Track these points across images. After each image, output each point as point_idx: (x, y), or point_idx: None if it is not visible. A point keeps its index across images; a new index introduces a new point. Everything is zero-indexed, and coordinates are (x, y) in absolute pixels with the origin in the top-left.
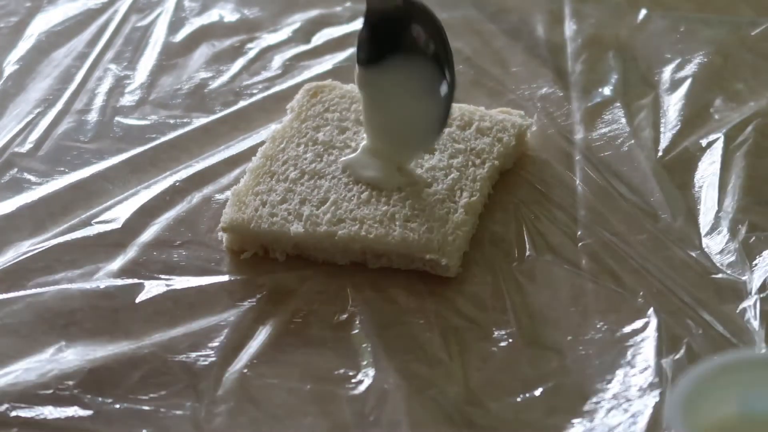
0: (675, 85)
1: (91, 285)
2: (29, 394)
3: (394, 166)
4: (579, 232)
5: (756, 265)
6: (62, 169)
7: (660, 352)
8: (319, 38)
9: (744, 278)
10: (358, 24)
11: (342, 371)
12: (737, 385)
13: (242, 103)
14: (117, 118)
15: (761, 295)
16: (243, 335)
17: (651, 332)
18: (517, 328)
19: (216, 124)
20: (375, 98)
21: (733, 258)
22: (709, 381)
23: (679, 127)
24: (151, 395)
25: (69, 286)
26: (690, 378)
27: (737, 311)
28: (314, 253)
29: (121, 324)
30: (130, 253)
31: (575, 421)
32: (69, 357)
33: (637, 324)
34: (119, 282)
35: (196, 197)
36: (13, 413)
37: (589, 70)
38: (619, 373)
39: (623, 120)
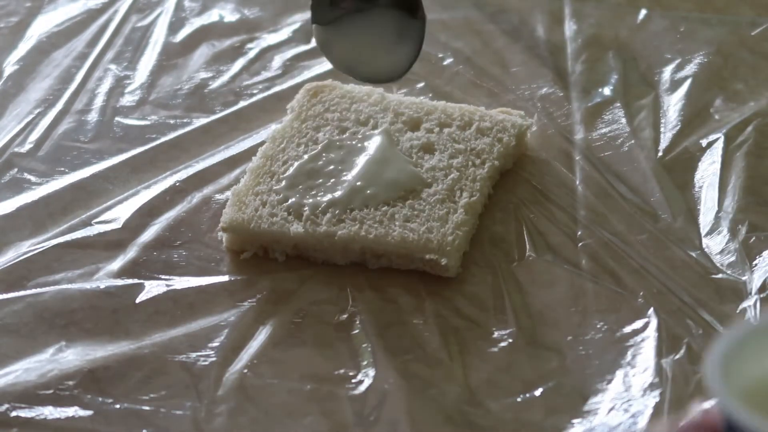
0: (675, 85)
1: (91, 285)
2: (29, 394)
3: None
4: (579, 232)
5: (756, 265)
6: (62, 169)
7: (660, 352)
8: None
9: (744, 278)
10: None
11: (342, 371)
12: None
13: (242, 103)
14: (117, 118)
15: (761, 295)
16: (243, 335)
17: (651, 332)
18: (517, 328)
19: (216, 124)
20: (338, 54)
21: (733, 258)
22: (756, 336)
23: (679, 127)
24: (151, 395)
25: (69, 286)
26: (734, 333)
27: (737, 311)
28: (314, 254)
29: (121, 324)
30: (130, 253)
31: (575, 421)
32: (69, 357)
33: (637, 324)
34: (119, 282)
35: (196, 197)
36: (13, 413)
37: (589, 70)
38: (619, 373)
39: (623, 120)
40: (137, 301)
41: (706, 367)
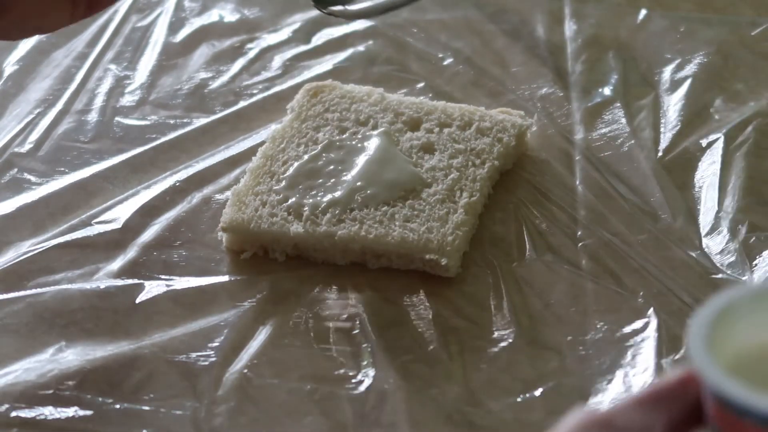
0: (675, 85)
1: (91, 285)
2: (29, 394)
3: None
4: (579, 232)
5: (756, 265)
6: (62, 169)
7: (660, 352)
8: (319, 38)
9: (744, 278)
10: (358, 24)
11: (342, 371)
12: None
13: (242, 103)
14: (117, 118)
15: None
16: (243, 335)
17: (651, 332)
18: (517, 328)
19: (216, 124)
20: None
21: (733, 258)
22: (742, 306)
23: (679, 127)
24: (151, 395)
25: (69, 286)
26: (719, 301)
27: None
28: (314, 254)
29: (121, 324)
30: (130, 253)
31: None
32: (69, 357)
33: (637, 324)
34: (119, 282)
35: (196, 197)
36: (13, 413)
37: (589, 70)
38: (619, 373)
39: (623, 120)
40: (137, 301)
41: (689, 335)
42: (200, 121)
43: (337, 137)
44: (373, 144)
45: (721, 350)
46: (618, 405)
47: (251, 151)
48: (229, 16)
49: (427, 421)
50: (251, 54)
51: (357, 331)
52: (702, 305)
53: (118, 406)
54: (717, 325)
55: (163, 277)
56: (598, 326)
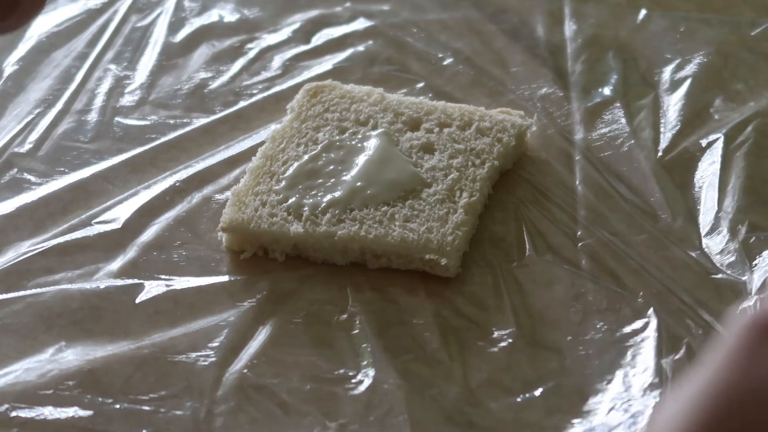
0: (675, 85)
1: (91, 285)
2: (29, 394)
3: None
4: (579, 232)
5: (756, 265)
6: (62, 169)
7: (660, 352)
8: (319, 38)
9: (744, 278)
10: (358, 24)
11: (342, 371)
12: None
13: (242, 103)
14: (117, 118)
15: (761, 295)
16: (243, 335)
17: (651, 332)
18: (517, 328)
19: (216, 124)
20: None
21: (733, 258)
22: None
23: (679, 127)
24: (151, 395)
25: (69, 286)
26: None
27: (737, 311)
28: (314, 254)
29: (121, 324)
30: (130, 253)
31: (575, 421)
32: (69, 357)
33: (637, 324)
34: (119, 282)
35: (196, 197)
36: (13, 413)
37: (589, 70)
38: (619, 373)
39: (623, 120)
40: (137, 301)
41: None
42: (200, 121)
43: (337, 137)
44: (373, 144)
45: None
46: None
47: (251, 151)
48: (229, 16)
49: (427, 421)
50: (251, 54)
51: (357, 331)
52: None
53: (118, 406)
54: None
55: (163, 277)
56: (598, 326)
